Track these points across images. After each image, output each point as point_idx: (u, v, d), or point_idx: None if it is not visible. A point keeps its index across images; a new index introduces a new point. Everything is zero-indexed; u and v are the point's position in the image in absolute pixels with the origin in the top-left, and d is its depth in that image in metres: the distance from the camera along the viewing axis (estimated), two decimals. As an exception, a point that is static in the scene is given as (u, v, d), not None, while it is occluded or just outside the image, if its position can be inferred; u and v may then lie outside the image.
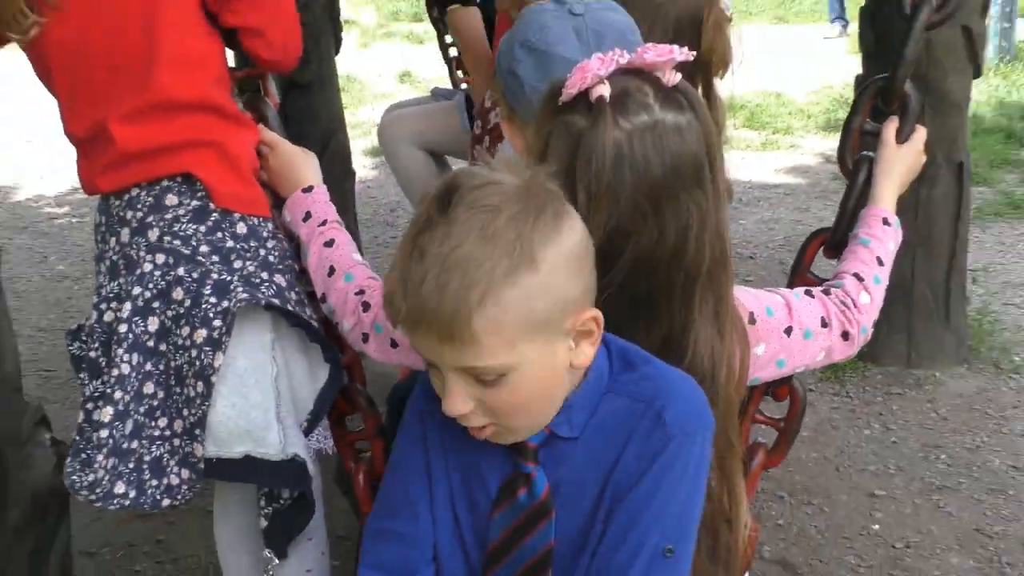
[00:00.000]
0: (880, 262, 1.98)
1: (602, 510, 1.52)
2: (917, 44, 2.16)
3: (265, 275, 2.17)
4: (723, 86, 2.42)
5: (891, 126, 2.12)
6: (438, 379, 1.47)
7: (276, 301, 2.13)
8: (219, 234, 2.15)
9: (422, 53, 10.31)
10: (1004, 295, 5.29)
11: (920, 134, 2.15)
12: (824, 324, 1.85)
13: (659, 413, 1.49)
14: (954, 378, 4.50)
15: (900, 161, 2.10)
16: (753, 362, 1.76)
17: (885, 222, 2.03)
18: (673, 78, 1.62)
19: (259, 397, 2.12)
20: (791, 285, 2.08)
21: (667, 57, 1.61)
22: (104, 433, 2.09)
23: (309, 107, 4.25)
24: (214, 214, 2.16)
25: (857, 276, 1.94)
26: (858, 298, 1.91)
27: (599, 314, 1.46)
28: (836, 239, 2.11)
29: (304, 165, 2.25)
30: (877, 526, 3.61)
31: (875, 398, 4.39)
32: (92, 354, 2.18)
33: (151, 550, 3.55)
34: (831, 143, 7.53)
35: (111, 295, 2.18)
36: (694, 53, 1.66)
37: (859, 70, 4.49)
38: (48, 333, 5.32)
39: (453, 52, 4.54)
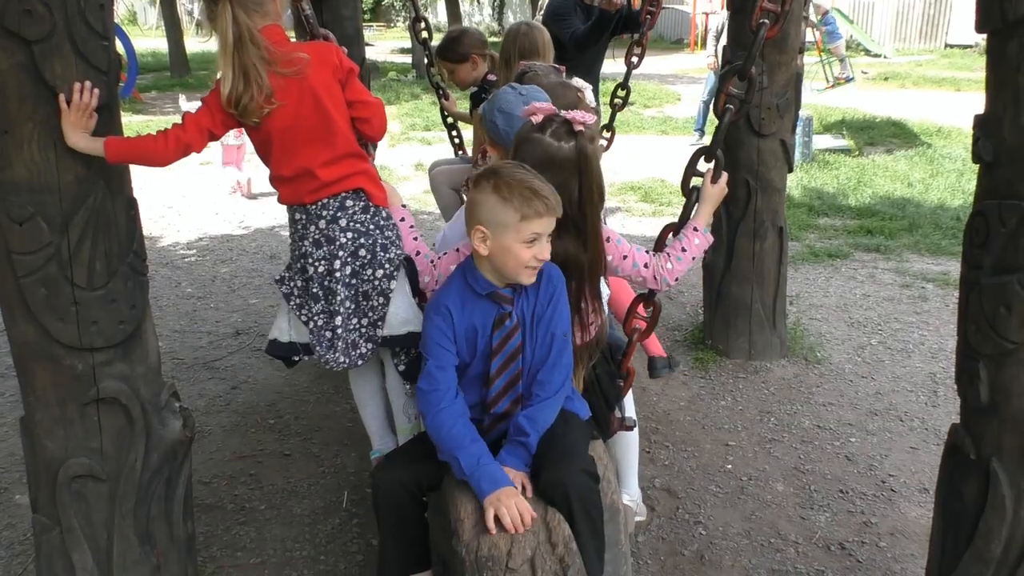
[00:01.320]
0: (683, 249, 2.42)
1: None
2: (724, 131, 2.48)
3: (399, 240, 2.53)
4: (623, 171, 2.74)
5: (708, 173, 2.50)
6: (532, 248, 2.00)
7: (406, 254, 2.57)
8: (377, 219, 2.48)
9: (429, 151, 10.26)
10: (810, 313, 5.25)
11: (724, 177, 2.49)
12: (646, 266, 2.38)
13: (551, 276, 2.14)
14: (778, 367, 4.44)
15: (712, 193, 2.49)
16: (609, 262, 2.33)
17: (695, 229, 2.47)
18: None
19: (409, 301, 2.50)
20: (653, 250, 2.50)
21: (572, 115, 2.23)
22: (339, 331, 2.47)
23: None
24: (372, 208, 2.48)
25: (667, 254, 2.42)
26: (664, 264, 2.39)
27: None
28: (676, 228, 2.53)
29: (395, 192, 2.64)
30: (730, 466, 3.53)
31: (727, 380, 4.32)
32: (295, 291, 2.52)
33: (246, 479, 3.44)
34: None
35: (320, 257, 2.45)
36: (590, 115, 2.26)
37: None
38: (179, 334, 5.18)
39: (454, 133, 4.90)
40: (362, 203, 2.46)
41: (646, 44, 4.25)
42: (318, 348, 2.50)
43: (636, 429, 2.83)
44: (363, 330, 2.51)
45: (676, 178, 5.56)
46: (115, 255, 2.12)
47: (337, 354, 2.48)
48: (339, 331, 2.46)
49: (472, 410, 2.15)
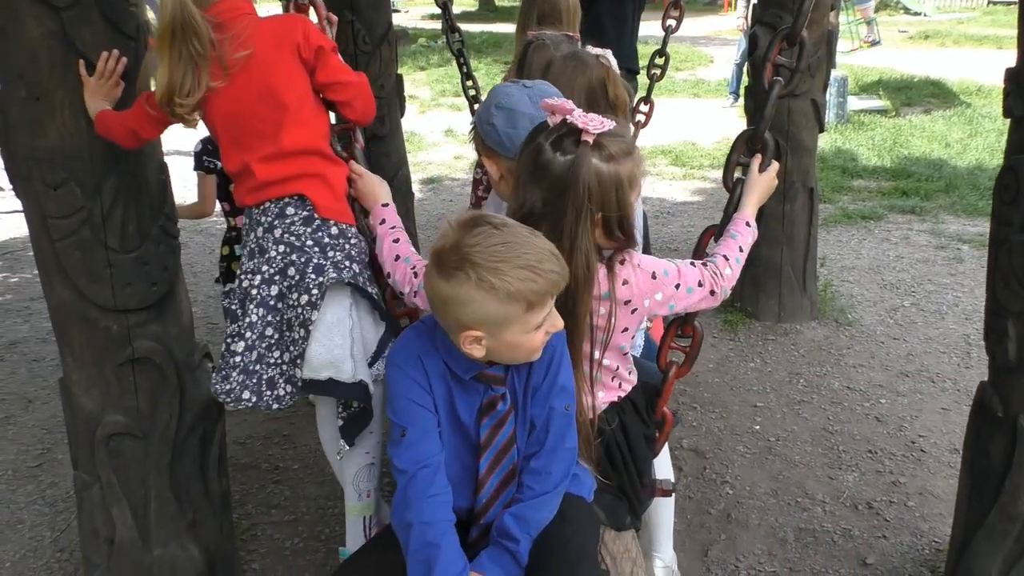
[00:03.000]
0: (740, 249, 1.97)
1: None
2: (772, 108, 2.09)
3: (347, 263, 2.19)
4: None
5: (756, 161, 2.08)
6: (543, 328, 1.55)
7: (353, 280, 2.16)
8: (319, 234, 2.17)
9: (460, 117, 10.22)
10: (841, 275, 5.19)
11: (774, 167, 2.08)
12: (700, 284, 1.86)
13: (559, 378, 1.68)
14: (808, 329, 4.41)
15: (760, 185, 2.07)
16: (654, 304, 1.81)
17: (747, 224, 2.03)
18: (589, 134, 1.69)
19: (339, 341, 2.12)
20: (694, 257, 2.02)
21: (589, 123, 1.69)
22: (238, 359, 2.13)
23: (384, 150, 4.18)
24: (316, 220, 2.18)
25: (725, 257, 1.94)
26: (723, 271, 1.91)
27: None
28: (720, 230, 2.07)
29: (381, 188, 2.24)
30: (758, 427, 3.53)
31: (757, 343, 4.30)
32: (234, 307, 2.17)
33: (279, 440, 3.51)
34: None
35: (248, 270, 2.18)
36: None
37: (744, 126, 4.40)
38: (214, 299, 5.25)
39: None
40: (305, 213, 2.16)
41: (683, 7, 4.17)
42: (214, 376, 2.18)
43: (666, 447, 2.34)
44: (283, 367, 2.17)
45: (707, 141, 5.53)
46: (147, 218, 2.16)
47: (233, 386, 2.13)
48: (237, 359, 2.14)
49: (456, 513, 1.65)
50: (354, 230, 2.25)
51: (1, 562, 2.77)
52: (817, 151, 4.54)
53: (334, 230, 2.19)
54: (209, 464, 2.41)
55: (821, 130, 4.29)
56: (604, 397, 1.90)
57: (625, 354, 1.89)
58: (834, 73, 9.15)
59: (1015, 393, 2.01)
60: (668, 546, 2.49)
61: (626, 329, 1.82)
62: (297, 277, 2.13)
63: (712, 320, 4.58)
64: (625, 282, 1.76)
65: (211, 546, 2.40)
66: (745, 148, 2.12)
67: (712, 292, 1.88)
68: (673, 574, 2.51)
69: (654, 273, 1.80)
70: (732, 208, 2.07)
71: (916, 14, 19.52)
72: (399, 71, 4.36)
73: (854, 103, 9.64)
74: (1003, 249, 1.97)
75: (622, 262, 1.76)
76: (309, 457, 3.37)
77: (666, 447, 2.39)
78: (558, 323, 1.59)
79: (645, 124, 4.21)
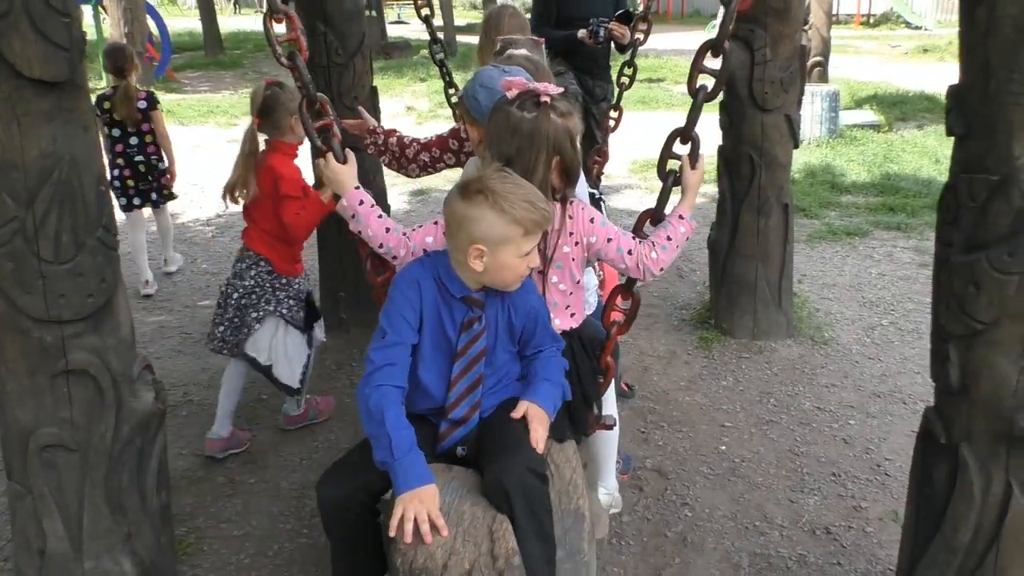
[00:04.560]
0: (668, 238, 2.27)
1: (516, 332, 2.10)
2: (698, 112, 2.27)
3: (291, 302, 3.36)
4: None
5: (686, 159, 2.34)
6: (525, 261, 1.96)
7: (287, 314, 3.34)
8: (273, 281, 3.35)
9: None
10: (821, 292, 5.16)
11: (701, 163, 2.34)
12: (630, 252, 2.23)
13: (529, 298, 2.11)
14: (783, 347, 4.37)
15: (692, 181, 2.34)
16: (590, 245, 2.23)
17: (680, 217, 2.31)
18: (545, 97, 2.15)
19: (275, 343, 3.34)
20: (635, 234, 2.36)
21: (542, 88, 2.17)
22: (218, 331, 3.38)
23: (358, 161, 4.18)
24: (274, 273, 3.35)
25: (652, 243, 2.26)
26: (649, 253, 2.24)
27: None
28: (655, 215, 2.35)
29: (349, 172, 2.30)
30: (724, 447, 3.50)
31: (730, 360, 4.27)
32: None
33: (239, 453, 3.48)
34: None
35: (232, 285, 3.38)
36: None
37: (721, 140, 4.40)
38: (190, 309, 5.25)
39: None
40: (268, 266, 3.36)
41: (651, 22, 4.18)
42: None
43: (612, 389, 2.76)
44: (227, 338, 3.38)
45: (712, 157, 5.52)
46: (82, 229, 2.14)
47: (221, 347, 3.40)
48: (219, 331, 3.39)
49: (428, 414, 2.06)
50: (295, 279, 3.44)
51: (-56, 572, 2.74)
52: (798, 168, 4.51)
53: (283, 280, 3.38)
54: (147, 477, 2.38)
55: (796, 145, 4.27)
56: (560, 324, 2.29)
57: (578, 282, 2.29)
58: (826, 87, 9.14)
59: (957, 419, 1.98)
60: (611, 477, 2.91)
61: (574, 259, 2.24)
62: (251, 308, 3.31)
63: (687, 337, 4.55)
64: (570, 216, 2.20)
65: (146, 561, 2.38)
66: (675, 144, 2.33)
67: (638, 266, 2.23)
68: (616, 500, 2.96)
69: (593, 219, 2.23)
70: (666, 196, 2.34)
71: (916, 28, 19.51)
72: (401, 81, 4.37)
73: (846, 117, 9.60)
74: (944, 270, 1.94)
75: (570, 202, 2.21)
76: (267, 471, 3.34)
77: (612, 390, 2.78)
78: (536, 260, 2.01)
79: (614, 129, 4.27)
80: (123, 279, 2.35)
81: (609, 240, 2.23)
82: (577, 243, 2.23)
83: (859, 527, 2.94)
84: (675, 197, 2.36)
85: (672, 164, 2.36)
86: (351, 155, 2.33)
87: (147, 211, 5.63)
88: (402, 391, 1.97)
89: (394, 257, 2.30)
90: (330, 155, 2.31)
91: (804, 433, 3.58)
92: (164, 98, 12.10)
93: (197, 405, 3.92)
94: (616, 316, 2.37)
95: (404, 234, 2.28)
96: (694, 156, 2.33)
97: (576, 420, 2.35)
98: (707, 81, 2.28)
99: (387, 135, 3.04)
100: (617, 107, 4.34)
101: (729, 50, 2.26)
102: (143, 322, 4.95)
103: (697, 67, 2.27)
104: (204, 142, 10.20)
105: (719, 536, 2.91)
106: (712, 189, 7.30)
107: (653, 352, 4.41)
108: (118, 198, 5.36)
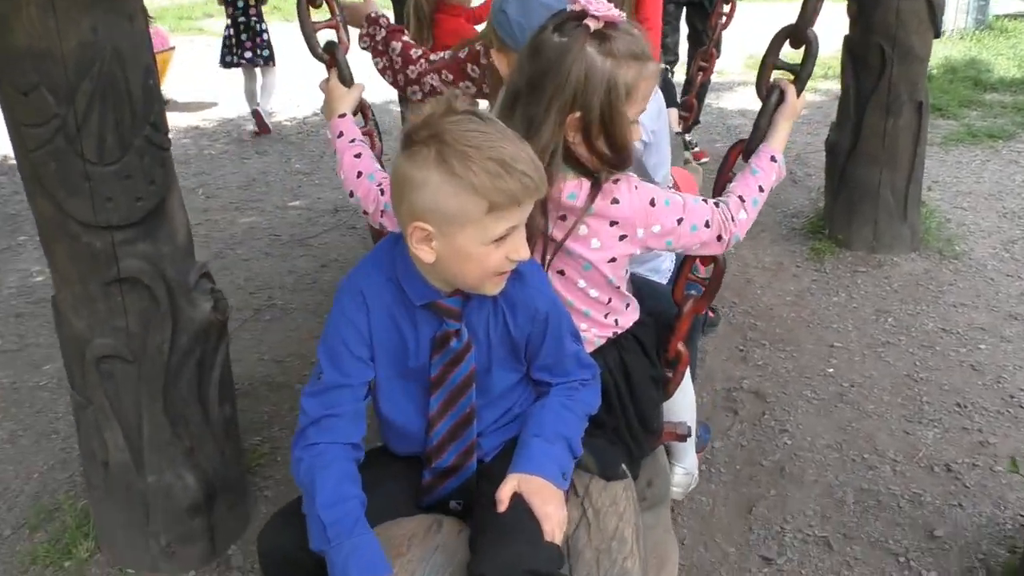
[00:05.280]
0: (760, 189, 1.74)
1: (518, 345, 1.51)
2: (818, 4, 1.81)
3: None
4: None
5: (792, 87, 1.81)
6: (504, 247, 1.35)
7: None
8: None
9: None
10: (954, 201, 4.67)
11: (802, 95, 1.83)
12: (707, 225, 1.65)
13: (533, 298, 1.49)
14: (906, 262, 3.97)
15: (792, 108, 1.81)
16: (649, 236, 1.61)
17: (772, 159, 1.76)
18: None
19: None
20: (717, 182, 1.83)
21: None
22: None
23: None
24: None
25: (740, 198, 1.71)
26: (737, 214, 1.69)
27: None
28: (749, 148, 1.82)
29: (342, 97, 2.03)
30: (832, 370, 3.20)
31: (844, 274, 3.91)
32: None
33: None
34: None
35: None
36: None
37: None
38: (281, 210, 5.21)
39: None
40: None
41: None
42: None
43: (690, 384, 2.21)
44: None
45: (824, 49, 5.11)
46: (128, 128, 1.99)
47: None
48: None
49: (414, 455, 1.56)
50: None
51: (30, 471, 2.80)
52: (939, 61, 4.00)
53: None
54: (209, 389, 2.30)
55: (936, 35, 3.76)
56: (597, 333, 1.73)
57: (617, 288, 1.70)
58: (975, -32, 8.21)
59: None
60: (689, 454, 2.40)
61: (613, 259, 1.62)
62: None
63: (797, 247, 4.19)
64: (615, 200, 1.57)
65: (210, 474, 2.32)
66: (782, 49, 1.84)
67: (719, 237, 1.67)
68: (694, 479, 2.45)
69: (653, 200, 1.60)
70: (766, 121, 1.80)
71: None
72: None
73: (997, 6, 8.62)
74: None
75: (616, 180, 1.58)
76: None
77: (690, 387, 2.22)
78: (523, 251, 1.38)
79: (726, 25, 3.84)
80: (175, 180, 2.22)
81: (680, 221, 1.61)
82: (623, 236, 1.60)
83: (985, 465, 2.63)
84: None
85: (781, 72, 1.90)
86: (358, 84, 2.09)
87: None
88: (349, 449, 1.46)
89: (364, 213, 1.86)
90: (333, 72, 2.07)
91: (925, 357, 3.23)
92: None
93: (281, 309, 3.88)
94: (694, 290, 1.88)
95: (380, 186, 1.82)
96: (804, 72, 1.80)
97: (629, 442, 1.81)
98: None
99: (390, 33, 2.39)
100: None
101: None
102: (234, 223, 4.94)
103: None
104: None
105: (821, 468, 2.66)
106: (832, 86, 6.78)
107: (758, 263, 4.08)
108: (224, 55, 6.65)
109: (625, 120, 1.53)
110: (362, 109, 2.17)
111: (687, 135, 5.18)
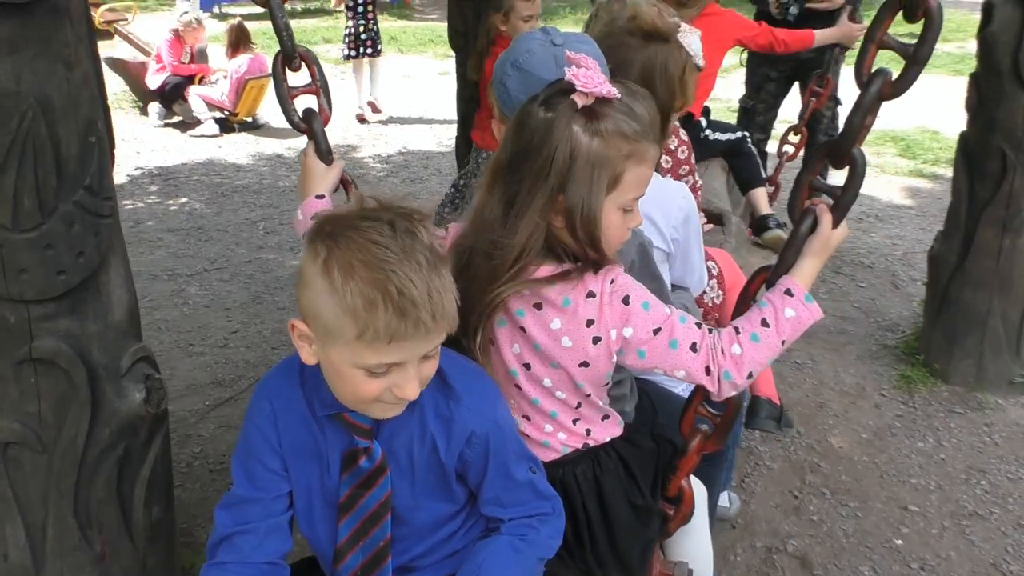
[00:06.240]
0: (765, 323, 1.43)
1: (449, 472, 1.36)
2: (863, 113, 1.46)
3: None
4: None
5: (827, 215, 1.49)
6: (387, 380, 1.20)
7: None
8: None
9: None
10: (1086, 335, 3.99)
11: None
12: (693, 349, 1.41)
13: (468, 420, 1.33)
14: (1014, 407, 3.35)
15: (827, 240, 1.48)
16: (621, 340, 1.42)
17: (788, 292, 1.45)
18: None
19: None
20: (736, 312, 1.54)
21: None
22: None
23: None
24: None
25: (736, 329, 1.44)
26: (728, 347, 1.42)
27: None
28: (771, 279, 1.53)
29: (319, 176, 1.85)
30: (901, 541, 2.66)
31: (937, 413, 3.33)
32: None
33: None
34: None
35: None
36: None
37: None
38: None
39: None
40: None
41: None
42: None
43: (704, 530, 1.88)
44: None
45: (954, 131, 4.69)
46: (51, 191, 1.73)
47: None
48: None
49: None
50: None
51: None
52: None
53: None
54: (135, 489, 2.00)
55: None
56: (564, 440, 1.54)
57: (588, 395, 1.50)
58: None
59: None
60: None
61: (585, 363, 1.43)
62: None
63: (884, 370, 3.63)
64: (591, 295, 1.41)
65: (122, 588, 2.01)
66: (821, 167, 1.54)
67: (707, 369, 1.42)
68: None
69: (627, 298, 1.41)
70: (793, 252, 1.49)
71: None
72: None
73: None
74: None
75: (596, 271, 1.41)
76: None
77: (704, 533, 1.88)
78: (407, 390, 1.21)
79: (792, 157, 3.58)
80: (121, 250, 1.94)
81: (657, 332, 1.40)
82: (598, 339, 1.41)
83: None
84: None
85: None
86: (339, 162, 1.87)
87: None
88: (262, 568, 1.34)
89: None
90: (311, 145, 1.86)
91: (1021, 541, 2.65)
92: (391, 25, 12.15)
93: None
94: (701, 424, 1.61)
95: None
96: (846, 198, 1.46)
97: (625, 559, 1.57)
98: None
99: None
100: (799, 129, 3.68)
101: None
102: (283, 265, 4.72)
103: (874, 39, 1.45)
104: (415, 72, 10.05)
105: None
106: (940, 187, 6.08)
107: (836, 383, 3.54)
108: (347, 51, 7.89)
109: (603, 210, 1.37)
110: (344, 185, 1.92)
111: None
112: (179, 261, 4.65)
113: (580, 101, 1.35)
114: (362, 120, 7.96)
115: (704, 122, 3.48)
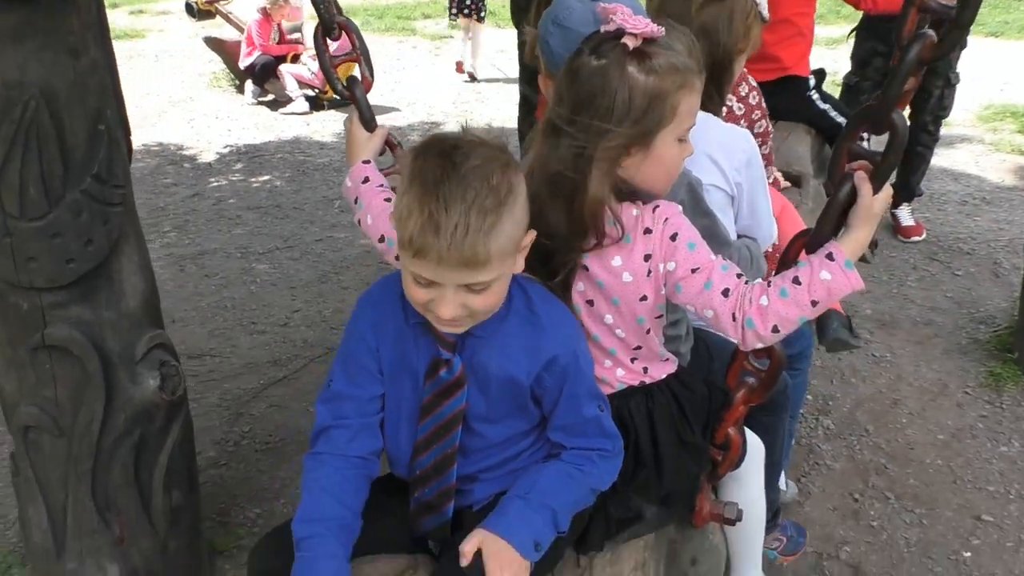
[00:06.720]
0: (797, 281, 1.41)
1: (525, 393, 1.42)
2: (902, 79, 1.40)
3: None
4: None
5: (867, 183, 1.42)
6: (429, 293, 1.29)
7: None
8: None
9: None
10: None
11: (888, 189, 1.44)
12: (725, 294, 1.44)
13: (549, 345, 1.40)
14: (1118, 412, 3.04)
15: (870, 209, 1.42)
16: (666, 274, 1.47)
17: (829, 257, 1.41)
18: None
19: None
20: (776, 271, 1.52)
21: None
22: None
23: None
24: None
25: (769, 283, 1.45)
26: (757, 298, 1.42)
27: (535, 233, 1.36)
28: (812, 242, 1.49)
29: (364, 144, 1.85)
30: (969, 553, 2.45)
31: (1026, 415, 3.06)
32: None
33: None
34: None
35: None
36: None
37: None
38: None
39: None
40: None
41: None
42: None
43: (758, 481, 1.90)
44: None
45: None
46: (58, 180, 1.74)
47: None
48: None
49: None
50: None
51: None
52: None
53: None
54: (153, 476, 2.03)
55: None
56: (622, 376, 1.58)
57: (648, 332, 1.55)
58: None
59: None
60: (751, 573, 1.99)
61: (644, 298, 1.49)
62: None
63: (971, 367, 3.35)
64: (647, 231, 1.47)
65: (141, 570, 2.05)
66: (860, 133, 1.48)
67: (733, 316, 1.43)
68: None
69: (676, 235, 1.46)
70: (830, 221, 1.45)
71: None
72: None
73: None
74: None
75: (656, 208, 1.47)
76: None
77: (758, 475, 1.88)
78: (441, 309, 1.29)
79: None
80: (136, 237, 1.95)
81: (695, 271, 1.44)
82: (649, 272, 1.47)
83: None
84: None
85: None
86: (381, 128, 1.86)
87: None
88: (354, 462, 1.43)
89: (397, 258, 1.66)
90: (354, 112, 1.85)
91: (1110, 562, 2.39)
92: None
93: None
94: (747, 377, 1.63)
95: None
96: (886, 163, 1.39)
97: (636, 510, 1.62)
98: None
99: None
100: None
101: None
102: (352, 244, 4.73)
103: (914, 1, 1.41)
104: (508, 47, 9.96)
105: None
106: None
107: (915, 378, 3.30)
108: (452, 8, 8.50)
109: (664, 143, 1.46)
110: (390, 146, 1.93)
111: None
112: (253, 239, 4.74)
113: (631, 43, 1.41)
114: (463, 72, 8.46)
115: (813, 82, 3.28)
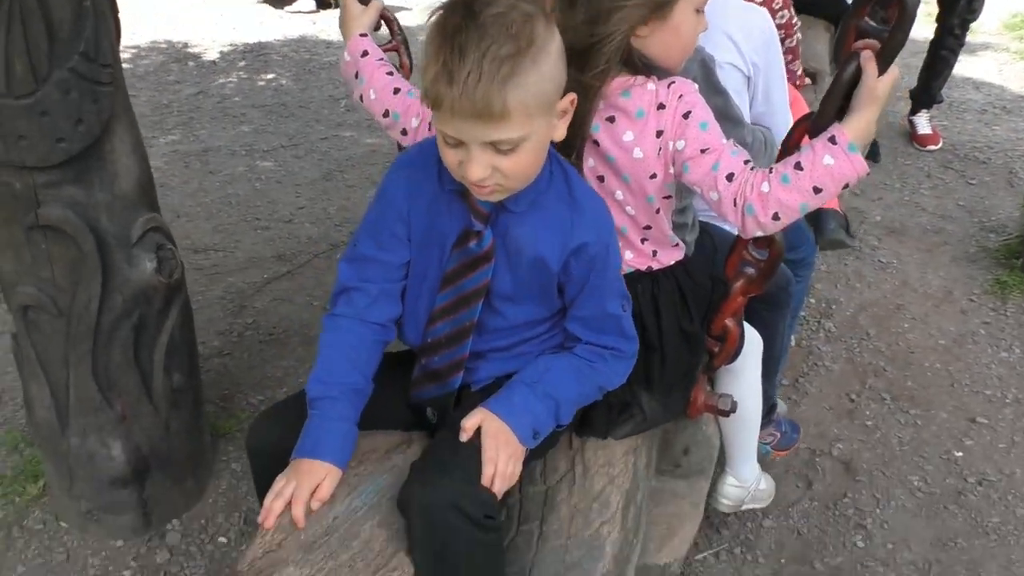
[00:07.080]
0: (799, 166, 1.37)
1: (552, 277, 1.39)
2: None
3: None
4: None
5: (872, 61, 1.35)
6: (458, 153, 1.24)
7: None
8: None
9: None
10: None
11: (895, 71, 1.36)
12: (729, 179, 1.41)
13: (585, 230, 1.36)
14: (1122, 319, 3.02)
15: (875, 90, 1.35)
16: (675, 152, 1.44)
17: (832, 140, 1.36)
18: None
19: None
20: (779, 158, 1.49)
21: None
22: None
23: None
24: None
25: (771, 169, 1.41)
26: (758, 184, 1.39)
27: (575, 96, 1.30)
28: (815, 126, 1.43)
29: (358, 16, 1.80)
30: (961, 453, 2.48)
31: (1029, 322, 3.04)
32: None
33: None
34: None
35: None
36: None
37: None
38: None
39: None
40: None
41: None
42: None
43: (754, 375, 1.90)
44: None
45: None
46: (43, 56, 1.71)
47: None
48: None
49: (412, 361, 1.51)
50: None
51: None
52: None
53: None
54: (153, 355, 2.06)
55: None
56: (631, 258, 1.58)
57: (657, 212, 1.54)
58: None
59: None
60: (744, 464, 2.04)
61: (654, 175, 1.47)
62: None
63: (978, 274, 3.33)
64: (661, 106, 1.44)
65: (145, 447, 2.10)
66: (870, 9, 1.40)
67: (735, 201, 1.40)
68: (750, 494, 2.08)
69: (688, 113, 1.43)
70: (833, 101, 1.39)
71: None
72: None
73: None
74: None
75: (670, 84, 1.45)
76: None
77: (755, 369, 1.88)
78: (469, 170, 1.23)
79: None
80: (128, 120, 1.92)
81: (704, 152, 1.41)
82: (660, 149, 1.44)
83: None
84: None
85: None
86: (376, 1, 1.80)
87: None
88: (372, 328, 1.43)
89: (403, 132, 1.69)
90: None
91: (1100, 463, 2.42)
92: None
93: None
94: (746, 268, 1.60)
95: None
96: (893, 41, 1.32)
97: (638, 397, 1.62)
98: None
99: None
100: None
101: None
102: (358, 143, 4.69)
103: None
104: None
105: (890, 596, 2.03)
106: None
107: (921, 285, 3.28)
108: None
109: (681, 11, 1.45)
110: (386, 21, 1.90)
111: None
112: (258, 137, 4.69)
113: None
114: None
115: None
